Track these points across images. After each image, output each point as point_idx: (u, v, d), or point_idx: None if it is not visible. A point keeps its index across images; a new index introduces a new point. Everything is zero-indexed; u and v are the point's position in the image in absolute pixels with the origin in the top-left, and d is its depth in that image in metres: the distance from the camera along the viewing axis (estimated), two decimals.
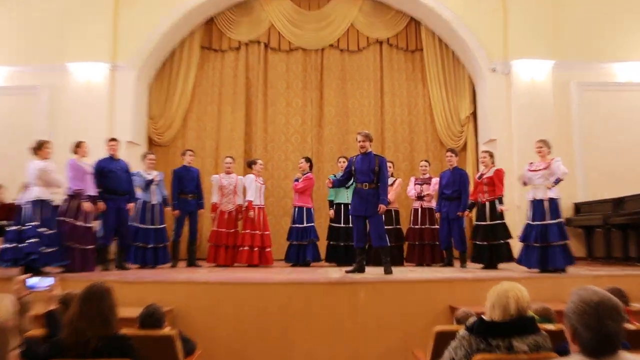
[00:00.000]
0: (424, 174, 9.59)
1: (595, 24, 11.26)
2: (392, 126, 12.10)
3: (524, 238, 7.53)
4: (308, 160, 9.53)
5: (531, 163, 7.76)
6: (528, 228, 7.50)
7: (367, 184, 7.26)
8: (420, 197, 9.51)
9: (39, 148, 7.26)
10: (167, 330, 3.95)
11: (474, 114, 11.87)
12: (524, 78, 10.97)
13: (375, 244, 7.47)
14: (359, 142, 7.44)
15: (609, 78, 11.18)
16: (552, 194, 7.42)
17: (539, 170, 7.57)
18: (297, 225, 9.25)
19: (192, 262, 9.15)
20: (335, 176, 8.95)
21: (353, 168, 7.43)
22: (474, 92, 11.88)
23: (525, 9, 11.09)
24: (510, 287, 3.03)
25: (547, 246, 7.25)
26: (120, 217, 8.15)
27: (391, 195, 8.91)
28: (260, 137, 11.88)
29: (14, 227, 6.95)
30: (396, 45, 12.21)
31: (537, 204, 7.45)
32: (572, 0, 11.39)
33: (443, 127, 11.86)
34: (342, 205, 9.28)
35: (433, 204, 9.37)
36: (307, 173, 9.41)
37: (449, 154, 9.05)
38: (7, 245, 6.82)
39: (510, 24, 11.09)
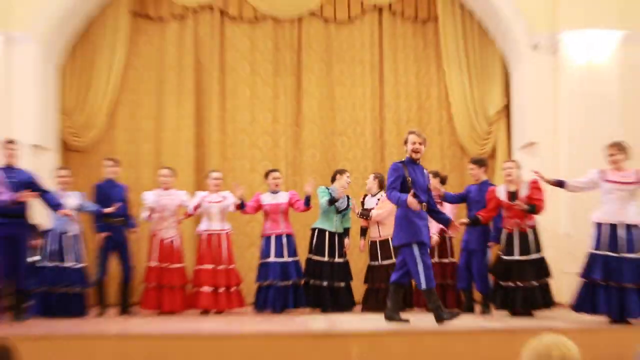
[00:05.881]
0: (437, 191, 8.21)
1: None
2: (394, 126, 10.00)
3: (587, 273, 6.62)
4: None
5: (604, 171, 6.67)
6: (594, 259, 6.60)
7: (425, 204, 6.61)
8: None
9: None
10: None
11: (507, 109, 9.89)
12: (578, 57, 8.88)
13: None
14: (415, 144, 6.56)
15: None
16: (636, 217, 6.48)
17: (628, 183, 6.51)
18: (270, 260, 8.09)
19: (126, 309, 8.17)
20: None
21: (410, 180, 6.56)
22: (508, 78, 9.92)
23: None
24: (554, 343, 2.58)
25: (621, 288, 6.45)
26: (13, 251, 6.99)
27: (383, 213, 8.17)
28: (217, 139, 9.89)
29: None
30: (401, 13, 10.19)
31: (611, 230, 6.54)
32: None
33: (465, 128, 9.93)
34: (328, 234, 8.28)
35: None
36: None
37: (472, 166, 8.03)
38: None
39: None
